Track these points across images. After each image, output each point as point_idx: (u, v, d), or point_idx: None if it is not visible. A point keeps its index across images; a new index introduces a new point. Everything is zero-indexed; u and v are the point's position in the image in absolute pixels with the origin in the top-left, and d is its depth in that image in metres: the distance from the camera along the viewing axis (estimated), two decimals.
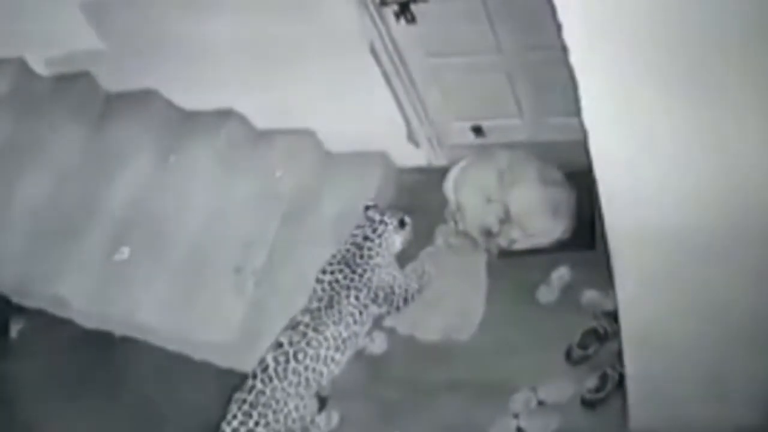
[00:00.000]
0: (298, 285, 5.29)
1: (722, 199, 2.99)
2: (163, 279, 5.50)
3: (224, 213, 5.75)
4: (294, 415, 4.81)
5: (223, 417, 4.77)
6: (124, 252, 5.60)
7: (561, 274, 5.31)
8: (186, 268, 5.57)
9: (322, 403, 5.15)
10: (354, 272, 5.08)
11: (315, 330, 4.90)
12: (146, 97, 6.10)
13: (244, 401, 4.75)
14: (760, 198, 2.95)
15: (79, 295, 5.51)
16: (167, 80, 6.00)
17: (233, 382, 4.99)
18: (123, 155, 5.94)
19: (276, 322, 5.10)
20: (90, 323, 5.60)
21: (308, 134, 6.03)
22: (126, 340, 5.56)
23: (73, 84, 6.16)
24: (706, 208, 3.05)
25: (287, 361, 4.81)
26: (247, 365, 5.01)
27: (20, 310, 5.85)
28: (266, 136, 6.07)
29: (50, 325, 5.65)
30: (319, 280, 5.13)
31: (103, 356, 5.54)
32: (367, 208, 5.33)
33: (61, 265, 5.56)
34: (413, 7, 5.08)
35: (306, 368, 4.83)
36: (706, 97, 2.64)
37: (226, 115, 6.02)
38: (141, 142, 6.01)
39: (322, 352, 4.88)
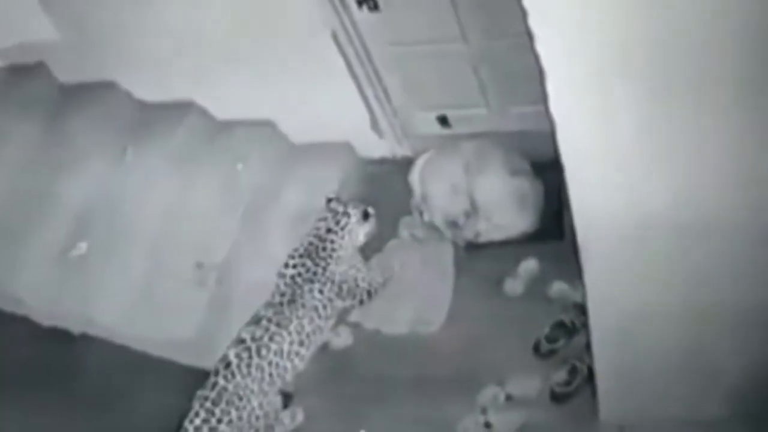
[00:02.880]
0: (260, 279, 5.25)
1: (691, 188, 2.99)
2: (121, 275, 5.42)
3: (184, 207, 5.68)
4: (258, 412, 4.76)
5: (185, 415, 4.71)
6: (82, 247, 5.51)
7: (528, 266, 5.31)
8: (145, 263, 5.48)
9: (287, 399, 5.11)
10: (317, 265, 5.06)
11: (278, 325, 4.86)
12: (104, 88, 6.01)
13: (207, 398, 4.69)
14: (729, 186, 2.93)
15: (35, 292, 5.42)
16: (125, 71, 5.92)
17: (195, 379, 4.92)
18: (80, 148, 5.83)
19: (238, 317, 5.06)
20: (47, 320, 5.50)
21: (270, 125, 5.99)
22: (84, 338, 5.47)
23: (27, 75, 6.06)
24: (675, 198, 3.04)
25: (250, 357, 4.77)
26: (209, 362, 4.94)
27: None
28: (227, 127, 6.01)
29: (6, 323, 5.54)
30: (281, 275, 5.10)
31: (61, 354, 5.44)
32: (330, 200, 5.30)
33: (16, 262, 5.46)
34: None
35: (269, 364, 4.79)
36: (675, 87, 2.62)
37: (186, 106, 5.96)
38: (98, 134, 5.91)
39: (286, 347, 4.85)
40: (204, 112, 6.01)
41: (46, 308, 5.46)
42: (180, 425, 4.69)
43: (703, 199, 3.00)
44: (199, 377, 4.92)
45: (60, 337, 5.49)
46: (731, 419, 4.19)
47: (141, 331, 5.33)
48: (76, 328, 5.50)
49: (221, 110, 6.01)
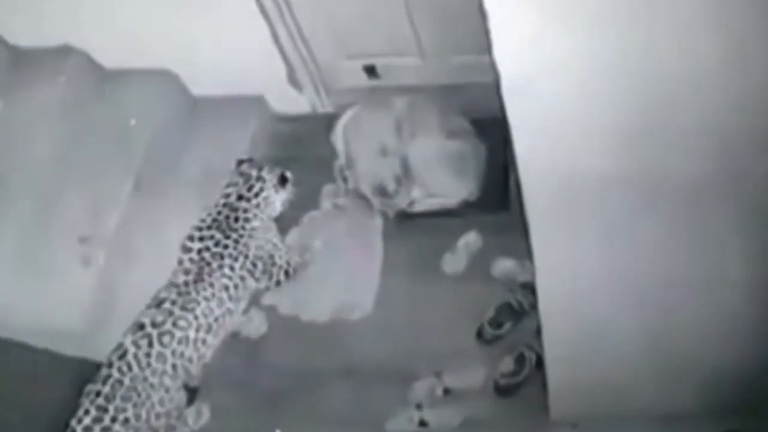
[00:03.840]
0: (158, 256, 5.24)
1: (656, 145, 3.01)
2: None
3: (67, 170, 5.61)
4: (158, 409, 4.73)
5: (73, 414, 4.66)
6: None
7: (469, 240, 5.38)
8: (21, 237, 5.41)
9: (191, 395, 5.11)
10: (228, 238, 5.05)
11: (183, 308, 4.84)
12: None
13: (98, 394, 4.64)
14: (691, 145, 2.97)
15: None
16: None
17: (83, 372, 4.89)
18: None
19: (132, 301, 5.03)
20: None
21: (169, 75, 5.96)
22: None
23: None
24: (638, 159, 3.06)
25: (150, 345, 4.73)
26: (99, 354, 4.90)
27: None
28: (117, 77, 5.94)
29: None
30: (186, 248, 5.08)
31: None
32: (240, 162, 5.31)
33: None
34: None
35: (173, 353, 4.76)
36: (628, 25, 2.63)
37: (66, 51, 5.88)
38: None
39: (191, 333, 4.82)
40: (89, 59, 5.93)
41: None
42: (67, 426, 4.64)
43: (668, 155, 3.03)
44: (86, 370, 4.89)
45: None
46: (696, 414, 4.29)
47: (17, 318, 5.25)
48: None
49: (110, 57, 5.94)
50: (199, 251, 5.03)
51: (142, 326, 4.79)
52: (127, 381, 4.66)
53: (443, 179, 5.46)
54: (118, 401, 4.62)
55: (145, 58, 5.79)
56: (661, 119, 2.91)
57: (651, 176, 3.10)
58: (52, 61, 5.87)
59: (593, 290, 3.70)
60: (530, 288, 4.28)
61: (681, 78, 2.76)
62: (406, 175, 5.47)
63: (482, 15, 2.62)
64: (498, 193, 5.38)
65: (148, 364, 4.71)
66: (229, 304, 4.98)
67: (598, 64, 2.74)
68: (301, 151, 5.86)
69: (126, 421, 4.62)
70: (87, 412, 4.61)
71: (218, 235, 5.04)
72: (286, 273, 5.25)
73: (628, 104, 2.86)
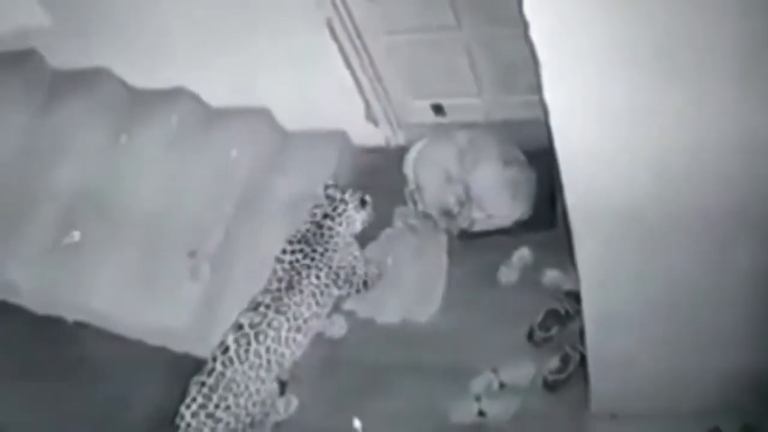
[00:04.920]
0: (254, 267, 5.29)
1: (684, 177, 3.02)
2: (115, 263, 5.45)
3: (178, 195, 5.70)
4: (255, 398, 4.81)
5: (180, 401, 4.76)
6: (75, 236, 5.55)
7: (522, 254, 5.36)
8: (139, 251, 5.51)
9: (282, 387, 5.15)
10: (314, 251, 5.09)
11: (276, 311, 4.91)
12: (96, 74, 6.02)
13: (204, 384, 4.74)
14: (722, 175, 2.98)
15: (29, 280, 5.44)
16: (118, 58, 5.93)
17: (190, 367, 4.98)
18: (72, 135, 5.85)
19: (232, 305, 5.10)
20: (41, 309, 5.54)
21: (264, 113, 6.00)
22: (79, 326, 5.50)
23: (18, 61, 6.06)
24: (669, 187, 3.07)
25: (248, 343, 4.81)
26: (204, 350, 5.00)
27: None
28: (220, 114, 6.02)
29: (1, 311, 5.59)
30: (279, 260, 5.13)
31: (56, 343, 5.47)
32: (327, 186, 5.33)
33: (9, 251, 5.49)
34: None
35: (268, 350, 4.83)
36: (669, 76, 2.65)
37: (179, 93, 5.97)
38: (91, 121, 5.93)
39: (284, 333, 4.89)
40: (197, 99, 6.02)
41: (41, 297, 5.49)
42: (176, 411, 4.75)
43: (699, 185, 3.04)
44: (193, 365, 4.99)
45: (55, 325, 5.52)
46: (721, 410, 4.26)
47: (135, 319, 5.37)
48: (70, 316, 5.54)
49: (215, 97, 6.02)
50: (290, 262, 5.08)
51: (241, 326, 4.88)
52: (228, 373, 4.76)
53: (500, 202, 5.43)
54: (220, 391, 4.72)
55: (244, 98, 5.88)
56: (694, 158, 2.93)
57: (683, 200, 3.11)
58: (165, 102, 5.97)
59: (629, 298, 3.70)
60: (575, 296, 4.30)
61: (715, 126, 2.79)
62: (467, 198, 5.45)
63: (534, 61, 2.67)
64: (546, 214, 5.34)
65: (247, 359, 4.80)
66: (316, 308, 5.04)
67: (636, 106, 2.78)
68: (377, 178, 5.84)
69: (227, 407, 4.72)
70: (194, 399, 4.73)
71: (307, 249, 5.09)
72: (365, 282, 5.29)
73: (664, 143, 2.89)
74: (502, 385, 4.99)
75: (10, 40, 5.99)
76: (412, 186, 5.67)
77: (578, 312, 4.31)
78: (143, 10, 5.36)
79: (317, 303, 5.03)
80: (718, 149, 2.88)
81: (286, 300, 4.95)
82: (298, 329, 4.94)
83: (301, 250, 5.10)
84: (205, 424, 4.70)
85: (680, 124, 2.82)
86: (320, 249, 5.09)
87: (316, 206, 5.25)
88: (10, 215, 5.58)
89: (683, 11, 2.47)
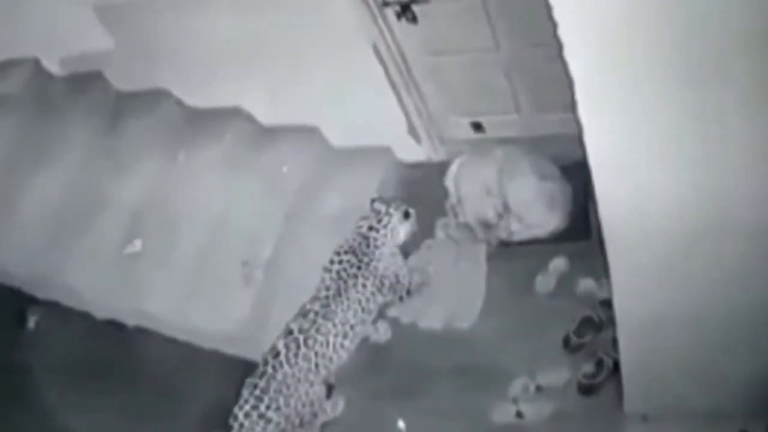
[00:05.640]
0: (303, 276, 5.33)
1: (713, 189, 3.03)
2: (173, 270, 5.55)
3: (232, 207, 5.78)
4: (304, 399, 4.86)
5: (235, 402, 4.81)
6: (137, 245, 5.64)
7: (558, 264, 5.35)
8: (196, 260, 5.61)
9: (329, 389, 5.18)
10: (360, 261, 5.12)
11: (324, 317, 4.95)
12: (156, 95, 6.13)
13: (256, 386, 4.79)
14: (749, 188, 2.98)
15: (92, 286, 5.57)
16: (176, 79, 6.02)
17: (242, 369, 5.04)
18: (135, 152, 5.97)
19: (282, 312, 5.15)
20: (103, 314, 5.64)
21: (313, 130, 6.04)
22: (139, 330, 5.61)
23: (85, 84, 6.19)
24: (699, 199, 3.08)
25: (298, 348, 4.86)
26: (256, 354, 5.05)
27: (35, 301, 5.88)
28: (272, 132, 6.08)
29: (65, 316, 5.70)
30: (327, 269, 5.16)
31: (118, 346, 5.58)
32: (374, 200, 5.35)
33: (74, 258, 5.60)
34: (414, 7, 5.10)
35: (316, 354, 4.88)
36: (700, 94, 2.67)
37: (233, 112, 6.04)
38: (152, 139, 6.04)
39: (332, 338, 4.93)
40: (250, 118, 6.09)
41: (103, 302, 5.61)
42: (230, 411, 4.79)
43: (728, 197, 3.04)
44: (245, 367, 5.04)
45: (116, 329, 5.64)
46: (749, 413, 4.24)
47: (191, 324, 5.46)
48: (130, 321, 5.64)
49: (267, 116, 6.09)
50: (338, 272, 5.11)
51: (291, 332, 4.92)
52: (279, 376, 4.81)
53: (536, 214, 5.43)
54: (272, 392, 4.78)
55: (295, 116, 5.94)
56: (724, 171, 2.94)
57: (713, 211, 3.12)
58: (221, 120, 6.05)
59: (660, 306, 3.70)
60: (608, 304, 4.27)
61: (744, 141, 2.80)
62: (505, 210, 5.45)
63: (569, 80, 2.68)
64: (581, 225, 5.34)
65: (296, 363, 4.84)
66: (362, 315, 5.07)
67: (666, 123, 2.79)
68: (419, 192, 5.85)
69: (278, 408, 4.78)
70: (247, 401, 4.79)
71: (353, 259, 5.11)
72: (408, 290, 5.30)
73: (694, 156, 2.90)
74: (538, 389, 4.99)
75: (78, 63, 6.13)
76: (453, 199, 5.67)
77: (611, 319, 4.29)
78: (201, 35, 5.45)
79: (363, 310, 5.06)
80: (747, 163, 2.88)
81: (333, 307, 4.98)
82: (345, 335, 4.97)
83: (348, 260, 5.12)
84: (257, 424, 4.75)
85: (710, 139, 2.82)
86: (366, 259, 5.12)
87: (363, 218, 5.26)
88: (75, 226, 5.72)
89: (719, 37, 2.48)
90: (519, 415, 4.94)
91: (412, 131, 5.90)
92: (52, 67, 6.21)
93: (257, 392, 4.78)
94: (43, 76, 6.19)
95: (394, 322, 5.51)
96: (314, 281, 5.19)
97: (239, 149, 6.01)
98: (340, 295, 5.03)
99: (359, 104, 5.59)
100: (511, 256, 5.52)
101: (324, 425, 5.14)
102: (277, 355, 4.85)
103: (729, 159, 2.89)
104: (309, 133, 6.04)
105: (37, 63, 6.16)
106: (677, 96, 2.70)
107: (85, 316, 5.65)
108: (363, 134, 5.87)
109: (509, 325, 5.19)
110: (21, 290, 5.77)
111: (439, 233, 5.77)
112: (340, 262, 5.13)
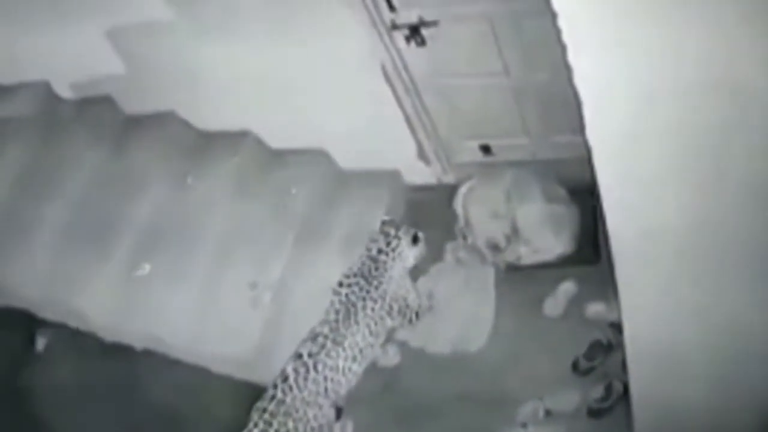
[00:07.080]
0: (312, 299, 5.32)
1: (724, 213, 3.00)
2: (182, 294, 5.53)
3: (240, 230, 5.78)
4: (313, 423, 4.83)
5: (244, 426, 4.78)
6: (145, 268, 5.63)
7: (567, 287, 5.35)
8: (204, 283, 5.59)
9: (338, 412, 5.14)
10: (369, 284, 5.11)
11: (333, 341, 4.93)
12: (164, 118, 6.14)
13: (265, 410, 4.77)
14: (760, 210, 2.96)
15: (101, 309, 5.54)
16: (184, 102, 6.04)
17: (251, 393, 5.01)
18: (143, 175, 5.97)
19: (291, 335, 5.13)
20: (111, 337, 5.62)
21: (321, 153, 6.07)
22: (147, 353, 5.58)
23: (94, 107, 6.20)
24: (709, 224, 3.05)
25: (307, 372, 4.84)
26: (264, 377, 5.04)
27: (44, 324, 5.87)
28: (280, 155, 6.11)
29: (74, 338, 5.67)
30: (336, 292, 5.16)
31: (126, 369, 5.56)
32: (383, 222, 5.34)
33: (84, 281, 5.58)
34: (423, 30, 5.11)
35: (325, 378, 4.86)
36: (705, 112, 2.66)
37: (241, 135, 6.06)
38: (160, 162, 6.04)
39: (341, 362, 4.92)
40: (259, 141, 6.11)
41: (112, 325, 5.58)
42: None
43: (739, 222, 3.01)
44: (254, 391, 5.02)
45: (124, 352, 5.61)
46: None
47: (200, 348, 5.44)
48: (138, 344, 5.62)
49: (275, 139, 6.11)
50: (347, 295, 5.10)
51: (300, 356, 4.91)
52: (288, 400, 4.79)
53: (545, 237, 5.43)
54: (281, 416, 4.75)
55: (303, 139, 5.96)
56: (738, 193, 2.92)
57: (726, 236, 3.09)
58: (229, 143, 6.06)
59: (670, 330, 3.67)
60: (618, 328, 4.26)
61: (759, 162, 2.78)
62: (514, 234, 5.46)
63: (577, 103, 2.68)
64: (590, 249, 5.34)
65: (306, 387, 4.82)
66: (370, 339, 5.05)
67: (675, 145, 2.78)
68: (428, 215, 5.86)
69: None
70: (256, 425, 4.76)
71: (362, 282, 5.10)
72: (417, 314, 5.29)
73: (704, 179, 2.88)
74: (547, 413, 4.97)
75: (88, 86, 6.14)
76: (461, 222, 5.68)
77: (621, 343, 4.27)
78: (209, 59, 5.47)
79: (371, 333, 5.05)
80: (758, 182, 2.86)
81: (342, 331, 4.97)
82: (354, 358, 4.96)
83: (357, 283, 5.11)
84: None
85: (720, 158, 2.80)
86: (375, 282, 5.11)
87: (372, 241, 5.26)
88: (84, 248, 5.68)
89: (717, 63, 2.47)
90: None
91: (422, 154, 5.92)
92: (63, 90, 6.22)
93: (266, 416, 4.75)
94: (52, 100, 6.20)
95: (403, 346, 5.51)
96: (323, 304, 5.17)
97: (248, 172, 6.02)
98: (349, 318, 5.01)
99: (368, 127, 5.63)
100: (520, 279, 5.52)
101: None
102: (286, 379, 4.83)
103: (745, 178, 2.84)
104: (317, 155, 6.07)
105: (47, 86, 6.18)
106: (685, 116, 2.69)
107: (94, 339, 5.63)
108: (371, 157, 5.89)
109: (518, 349, 5.19)
110: (30, 312, 5.76)
111: (448, 256, 5.77)
112: (349, 285, 5.12)
